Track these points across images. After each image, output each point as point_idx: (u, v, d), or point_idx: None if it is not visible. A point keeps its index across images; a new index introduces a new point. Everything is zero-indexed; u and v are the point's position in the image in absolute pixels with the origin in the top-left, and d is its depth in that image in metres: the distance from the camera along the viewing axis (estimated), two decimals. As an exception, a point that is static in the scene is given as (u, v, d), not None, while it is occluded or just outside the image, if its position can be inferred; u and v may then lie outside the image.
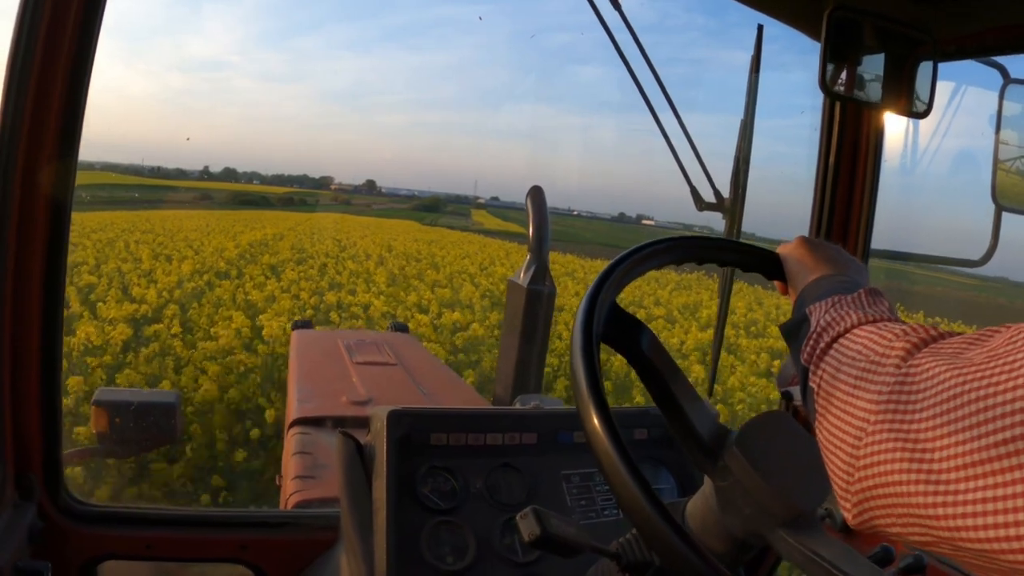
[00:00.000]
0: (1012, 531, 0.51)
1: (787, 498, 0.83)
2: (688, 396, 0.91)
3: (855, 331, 0.78)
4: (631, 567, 0.96)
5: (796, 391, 0.88)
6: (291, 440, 2.68)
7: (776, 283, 1.06)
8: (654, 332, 0.93)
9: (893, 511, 0.62)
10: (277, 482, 2.77)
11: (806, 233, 1.96)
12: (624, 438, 0.76)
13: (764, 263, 1.05)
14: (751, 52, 1.76)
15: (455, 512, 1.29)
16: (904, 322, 0.76)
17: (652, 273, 1.08)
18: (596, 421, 0.77)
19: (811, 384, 0.79)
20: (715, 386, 2.10)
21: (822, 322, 0.83)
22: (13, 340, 1.44)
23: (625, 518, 0.77)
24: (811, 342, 0.82)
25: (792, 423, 0.91)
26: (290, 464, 2.46)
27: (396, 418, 1.29)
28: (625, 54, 1.71)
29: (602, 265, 0.95)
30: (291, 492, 2.24)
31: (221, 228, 29.81)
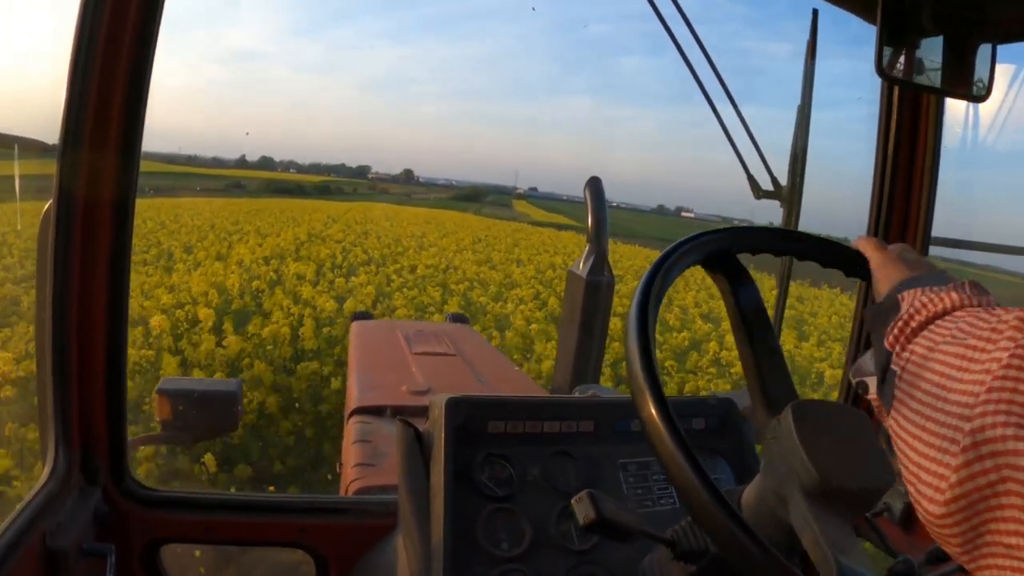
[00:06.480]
0: None
1: (815, 463, 0.78)
2: (770, 352, 0.92)
3: (956, 313, 0.74)
4: (686, 555, 0.95)
5: (872, 382, 0.85)
6: (351, 429, 2.71)
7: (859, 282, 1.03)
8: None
9: (1009, 480, 0.58)
10: (338, 470, 2.83)
11: (865, 222, 1.92)
12: (681, 427, 0.76)
13: (846, 260, 1.00)
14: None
15: (511, 499, 1.30)
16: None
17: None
18: (652, 408, 0.77)
19: (893, 367, 0.75)
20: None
21: (916, 304, 0.78)
22: (79, 329, 1.48)
23: (681, 505, 0.77)
24: (899, 324, 0.78)
25: (866, 422, 0.85)
26: (350, 452, 2.49)
27: (454, 406, 1.30)
28: (679, 43, 1.70)
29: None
30: (351, 479, 2.28)
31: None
